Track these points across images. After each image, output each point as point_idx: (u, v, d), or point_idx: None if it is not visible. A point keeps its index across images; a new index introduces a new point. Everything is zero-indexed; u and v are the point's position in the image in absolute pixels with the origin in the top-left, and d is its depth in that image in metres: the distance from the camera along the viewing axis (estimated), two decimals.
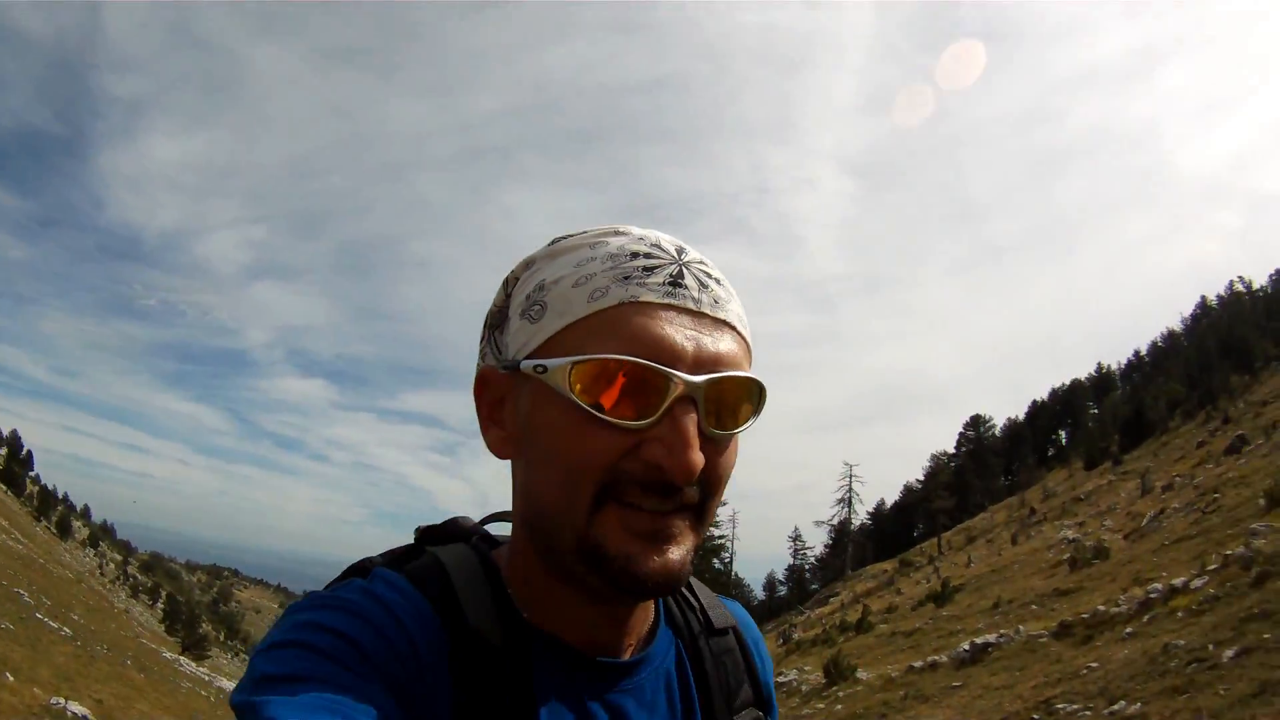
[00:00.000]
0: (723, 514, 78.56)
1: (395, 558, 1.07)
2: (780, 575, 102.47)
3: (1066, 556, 32.68)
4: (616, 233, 1.01)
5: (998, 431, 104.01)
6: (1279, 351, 61.88)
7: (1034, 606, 25.55)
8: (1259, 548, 17.66)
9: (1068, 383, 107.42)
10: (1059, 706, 14.06)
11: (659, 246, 0.99)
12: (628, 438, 0.92)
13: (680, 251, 0.99)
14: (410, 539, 1.14)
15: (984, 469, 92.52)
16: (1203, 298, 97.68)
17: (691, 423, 0.91)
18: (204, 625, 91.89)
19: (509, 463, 1.04)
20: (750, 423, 0.99)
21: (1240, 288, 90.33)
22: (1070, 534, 42.14)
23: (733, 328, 0.98)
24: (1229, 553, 18.69)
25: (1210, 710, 9.98)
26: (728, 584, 76.05)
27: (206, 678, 63.89)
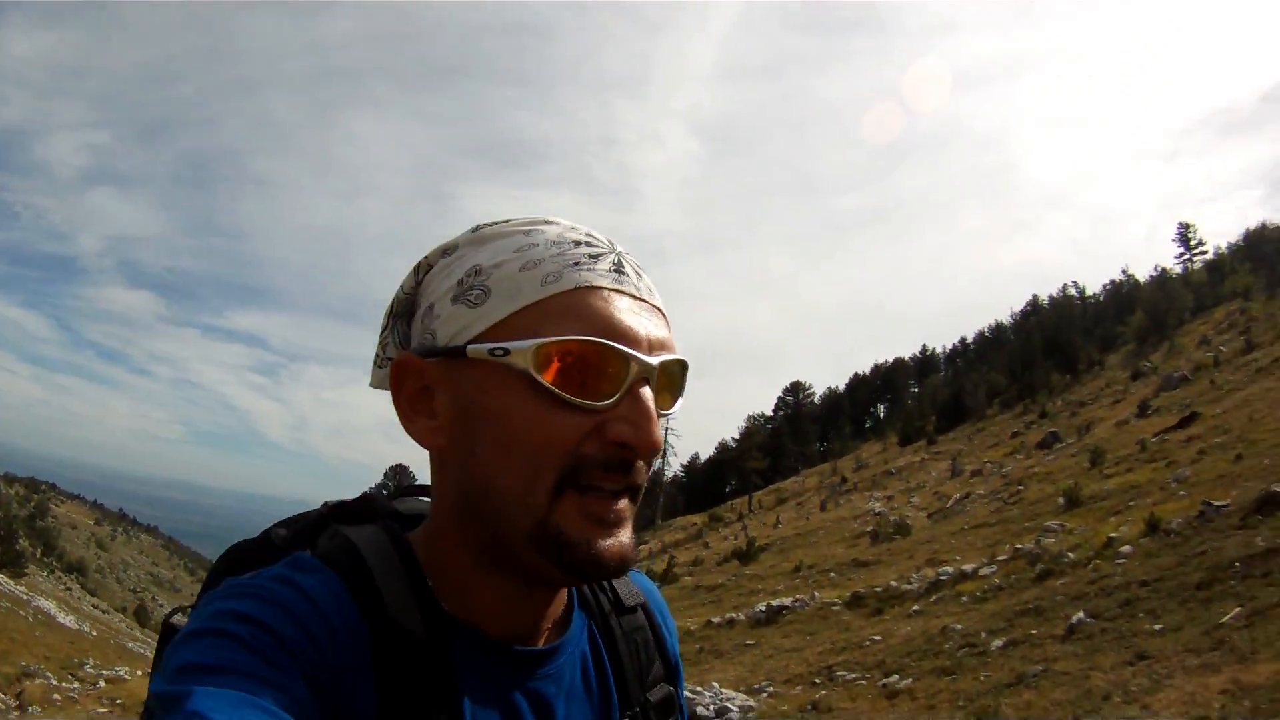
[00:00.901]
0: None
1: (300, 532, 1.09)
2: None
3: (870, 529, 34.59)
4: (547, 222, 1.04)
5: (817, 399, 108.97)
6: (1102, 358, 66.18)
7: (833, 574, 27.21)
8: (1047, 545, 19.39)
9: (891, 360, 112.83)
10: (839, 674, 15.33)
11: (594, 236, 1.03)
12: (590, 419, 0.94)
13: (613, 242, 1.04)
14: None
15: (800, 434, 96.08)
16: (1034, 296, 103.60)
17: (651, 399, 0.96)
18: (21, 541, 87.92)
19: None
20: (678, 404, 1.05)
21: (1073, 292, 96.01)
22: (878, 506, 44.38)
23: (664, 315, 1.04)
24: (1020, 546, 20.44)
25: (966, 694, 11.28)
26: None
27: (24, 596, 61.74)
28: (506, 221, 1.04)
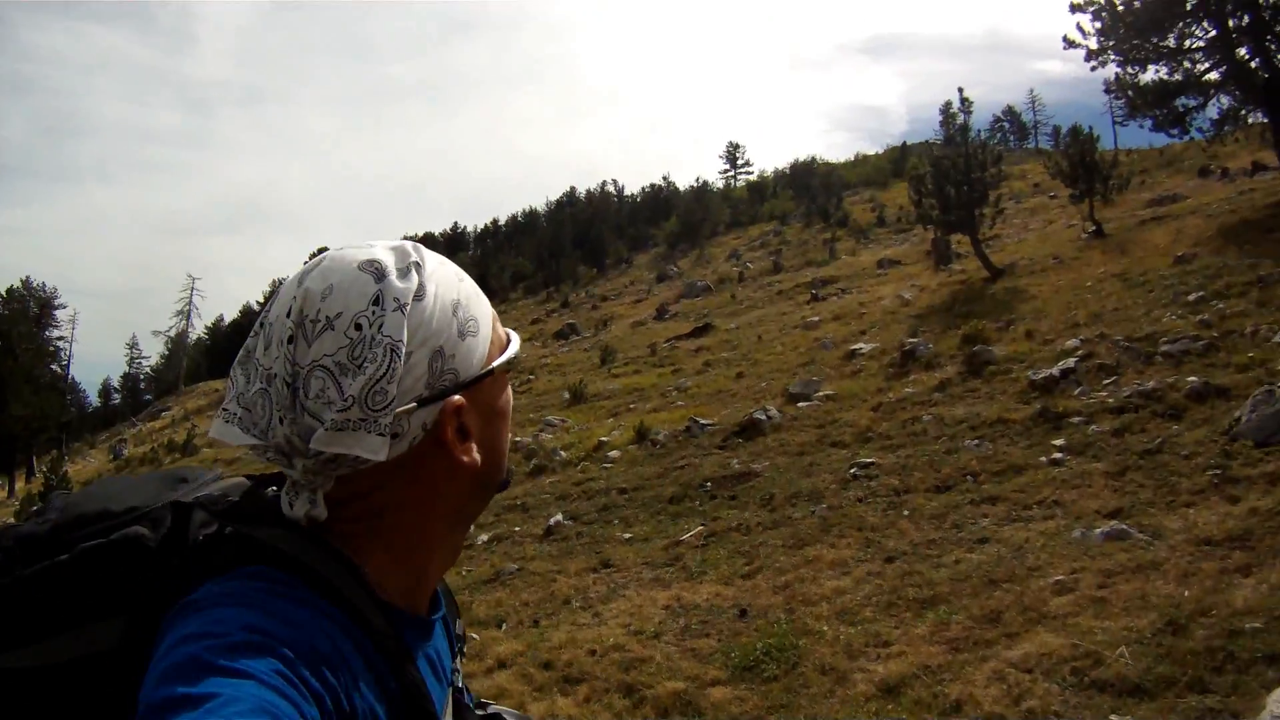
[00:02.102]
0: (63, 315, 77.66)
1: (175, 532, 1.07)
2: (115, 382, 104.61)
3: None
4: (425, 252, 1.18)
5: None
6: (631, 256, 70.05)
7: None
8: (544, 441, 20.15)
9: (421, 233, 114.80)
10: None
11: None
12: None
13: None
14: None
15: None
16: (572, 188, 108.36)
17: None
18: None
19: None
20: None
21: (611, 190, 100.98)
22: None
23: None
24: (519, 439, 21.12)
25: (451, 589, 11.63)
26: (64, 389, 73.74)
27: None
28: (416, 253, 1.13)
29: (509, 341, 1.22)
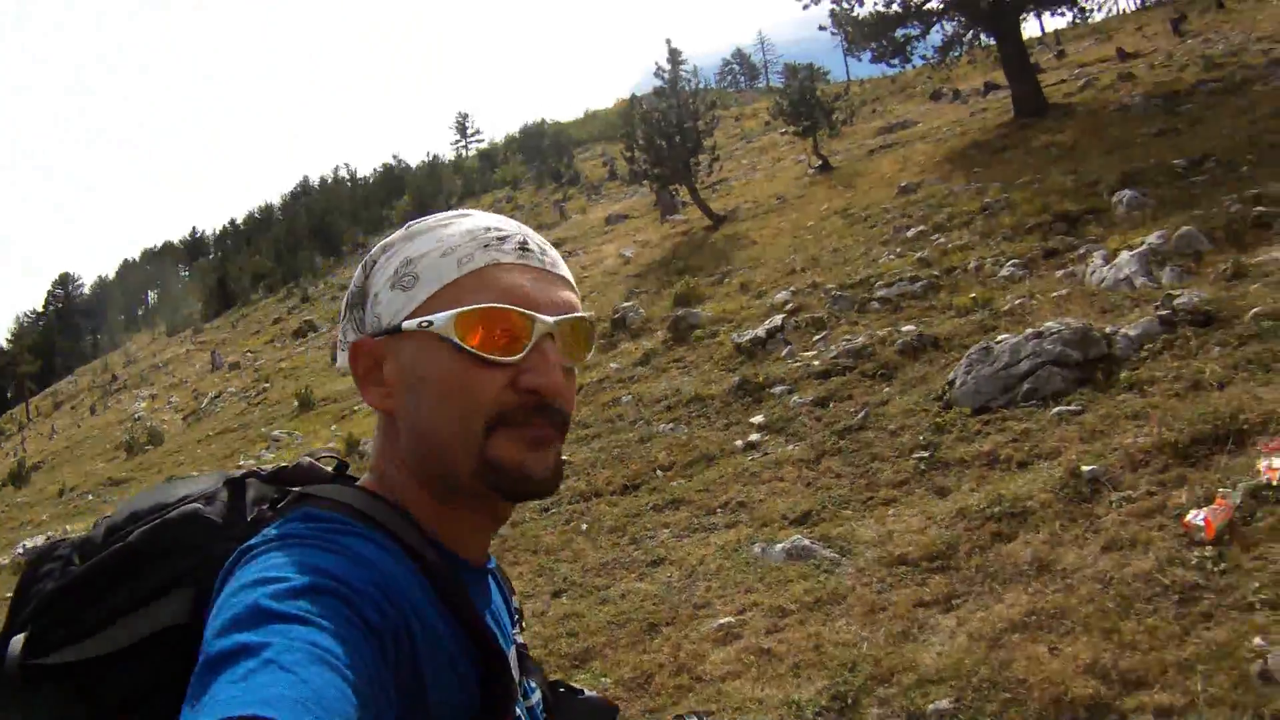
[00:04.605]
0: None
1: (236, 504, 1.12)
2: None
3: (127, 438, 31.78)
4: (463, 215, 1.19)
5: (87, 290, 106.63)
6: (368, 240, 68.96)
7: (91, 497, 23.84)
8: (265, 462, 18.30)
9: (160, 244, 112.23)
10: None
11: (502, 224, 1.18)
12: (505, 373, 1.08)
13: (520, 226, 1.21)
14: None
15: (71, 330, 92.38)
16: (305, 177, 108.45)
17: (553, 352, 1.11)
18: None
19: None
20: (588, 355, 1.21)
21: (344, 174, 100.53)
22: (143, 407, 41.83)
23: (569, 283, 1.21)
24: (243, 461, 19.29)
25: None
26: None
27: None
28: (430, 218, 1.20)
29: (461, 307, 1.10)
